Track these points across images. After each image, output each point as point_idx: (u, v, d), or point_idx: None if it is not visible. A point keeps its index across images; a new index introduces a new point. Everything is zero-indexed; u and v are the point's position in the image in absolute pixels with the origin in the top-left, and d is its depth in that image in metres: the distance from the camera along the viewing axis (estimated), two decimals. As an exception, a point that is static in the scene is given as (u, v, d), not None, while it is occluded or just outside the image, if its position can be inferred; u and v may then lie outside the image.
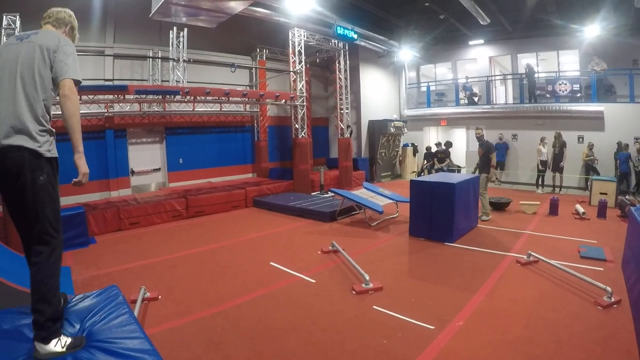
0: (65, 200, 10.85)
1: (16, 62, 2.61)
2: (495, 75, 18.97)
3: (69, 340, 2.54)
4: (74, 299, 3.16)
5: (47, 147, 2.65)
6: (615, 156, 13.47)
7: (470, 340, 4.32)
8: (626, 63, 14.66)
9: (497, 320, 4.76)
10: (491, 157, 10.27)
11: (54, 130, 2.74)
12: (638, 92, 14.15)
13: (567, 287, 5.69)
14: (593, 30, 14.50)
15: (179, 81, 12.24)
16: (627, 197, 11.21)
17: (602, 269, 6.43)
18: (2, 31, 8.66)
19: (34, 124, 2.57)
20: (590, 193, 12.09)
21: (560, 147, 14.04)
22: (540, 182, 14.75)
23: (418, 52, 19.18)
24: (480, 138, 10.58)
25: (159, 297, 5.66)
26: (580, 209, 10.50)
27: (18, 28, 8.80)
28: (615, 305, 5.02)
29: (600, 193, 11.50)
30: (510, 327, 4.58)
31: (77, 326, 2.73)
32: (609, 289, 5.13)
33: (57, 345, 2.47)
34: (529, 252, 6.90)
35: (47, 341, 2.44)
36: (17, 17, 8.82)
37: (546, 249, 7.33)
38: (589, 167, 14.14)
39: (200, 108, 13.37)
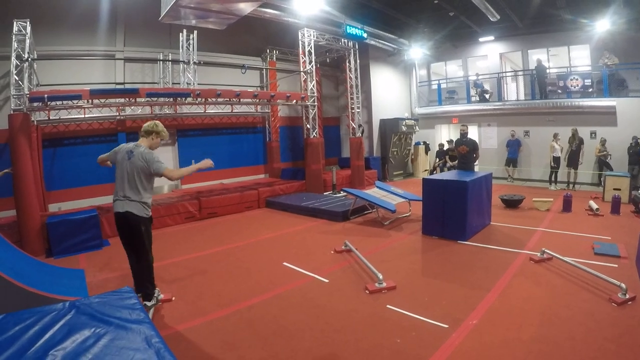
0: (79, 204, 11.03)
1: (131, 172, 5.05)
2: (506, 72, 18.82)
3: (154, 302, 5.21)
4: (88, 300, 3.19)
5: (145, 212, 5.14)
6: (629, 151, 13.27)
7: (484, 338, 4.31)
8: (638, 57, 14.44)
9: (511, 319, 4.74)
10: (476, 155, 10.21)
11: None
12: (650, 87, 13.99)
13: (581, 284, 5.66)
14: (603, 24, 14.32)
15: (189, 83, 12.34)
16: None
17: (616, 266, 6.38)
18: (13, 37, 8.76)
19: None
20: (604, 189, 11.94)
21: (578, 144, 13.88)
22: (553, 179, 14.61)
23: (428, 50, 19.11)
24: (464, 135, 10.43)
25: (173, 298, 5.74)
26: (594, 205, 10.40)
27: (29, 34, 8.90)
28: (629, 302, 4.98)
29: (614, 189, 11.35)
30: (525, 325, 4.56)
31: (92, 326, 2.76)
32: (623, 285, 5.09)
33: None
34: (543, 249, 6.86)
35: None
36: (28, 22, 8.92)
37: (560, 246, 7.27)
38: (602, 163, 14.02)
39: (211, 110, 13.43)
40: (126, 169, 5.03)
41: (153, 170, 5.05)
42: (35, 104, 9.09)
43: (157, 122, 5.29)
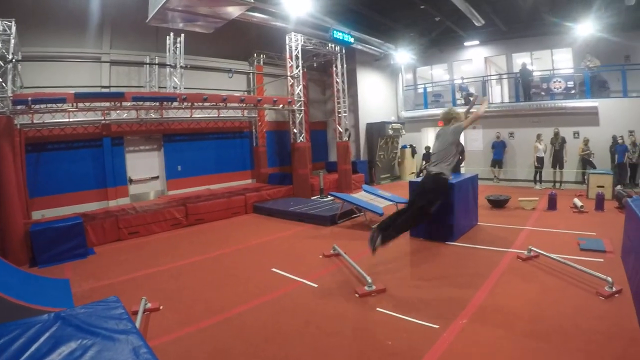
0: (63, 211, 10.86)
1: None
2: (490, 75, 19.04)
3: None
4: (74, 311, 3.13)
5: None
6: (611, 149, 13.64)
7: (475, 337, 4.33)
8: (618, 59, 14.90)
9: (501, 316, 4.78)
10: (462, 157, 10.27)
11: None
12: (631, 87, 14.34)
13: (569, 279, 5.73)
14: (586, 28, 14.69)
15: (176, 87, 12.22)
16: (621, 187, 11.30)
17: (602, 260, 6.51)
18: None
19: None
20: (588, 187, 12.22)
21: (560, 144, 14.17)
22: (538, 178, 14.84)
23: (414, 54, 19.27)
24: None
25: (161, 307, 5.63)
26: (579, 203, 10.61)
27: (13, 34, 8.72)
28: (616, 295, 5.09)
29: (598, 186, 11.62)
30: (514, 322, 4.61)
31: (79, 337, 2.71)
32: (609, 279, 5.20)
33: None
34: (530, 247, 6.94)
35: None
36: (13, 22, 8.73)
37: (546, 244, 7.35)
38: (586, 162, 14.38)
39: (198, 114, 13.30)
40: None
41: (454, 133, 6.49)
42: (18, 107, 8.86)
43: (451, 107, 6.46)
